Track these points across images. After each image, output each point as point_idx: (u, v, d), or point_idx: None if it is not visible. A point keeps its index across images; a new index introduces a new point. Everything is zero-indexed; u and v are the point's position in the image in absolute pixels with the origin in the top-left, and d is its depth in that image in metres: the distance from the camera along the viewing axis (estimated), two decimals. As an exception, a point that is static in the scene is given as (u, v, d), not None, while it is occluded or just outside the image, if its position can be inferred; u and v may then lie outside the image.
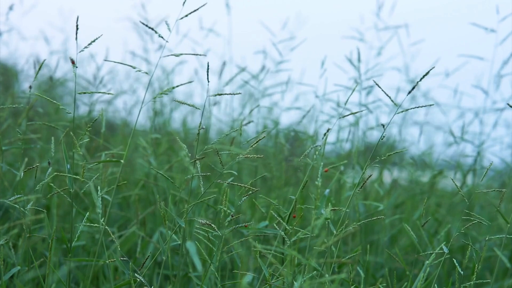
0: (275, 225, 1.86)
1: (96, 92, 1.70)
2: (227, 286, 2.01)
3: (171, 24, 1.68)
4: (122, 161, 1.69)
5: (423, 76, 1.61)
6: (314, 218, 1.59)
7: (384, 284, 1.78)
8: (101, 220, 1.64)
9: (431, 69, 1.62)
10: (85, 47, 1.63)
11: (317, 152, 1.73)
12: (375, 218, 1.76)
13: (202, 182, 1.71)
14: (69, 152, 1.99)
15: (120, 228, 2.64)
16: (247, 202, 2.47)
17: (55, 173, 1.76)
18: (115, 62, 1.71)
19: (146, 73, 1.63)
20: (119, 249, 1.74)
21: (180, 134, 3.45)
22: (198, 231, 1.79)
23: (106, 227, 1.68)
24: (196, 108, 1.67)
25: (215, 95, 1.77)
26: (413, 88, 1.63)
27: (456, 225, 2.80)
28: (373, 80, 1.70)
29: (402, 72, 3.33)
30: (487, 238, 1.81)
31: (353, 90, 1.76)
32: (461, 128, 3.07)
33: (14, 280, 1.86)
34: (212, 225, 1.65)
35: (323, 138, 1.72)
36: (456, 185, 1.78)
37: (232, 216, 1.72)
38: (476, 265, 1.75)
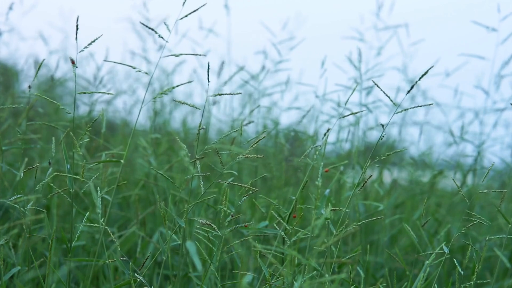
0: (275, 225, 1.86)
1: (96, 92, 1.70)
2: (227, 286, 2.01)
3: (170, 24, 1.68)
4: (122, 161, 1.69)
5: (422, 76, 1.61)
6: (314, 218, 1.59)
7: (384, 284, 1.78)
8: (101, 220, 1.64)
9: (429, 69, 1.62)
10: (85, 47, 1.63)
11: (317, 152, 1.73)
12: (375, 218, 1.76)
13: (202, 182, 1.71)
14: (69, 152, 1.99)
15: (120, 228, 2.64)
16: (247, 202, 2.47)
17: (55, 173, 1.76)
18: (115, 62, 1.71)
19: (146, 73, 1.63)
20: (119, 249, 1.74)
21: (180, 134, 3.45)
22: (198, 231, 1.79)
23: (106, 227, 1.68)
24: (196, 108, 1.67)
25: (215, 95, 1.77)
26: (412, 87, 1.63)
27: (456, 225, 2.80)
28: (373, 81, 1.70)
29: (402, 72, 3.33)
30: (487, 238, 1.81)
31: (354, 90, 1.76)
32: (461, 128, 3.07)
33: (14, 280, 1.86)
34: (212, 225, 1.65)
35: (323, 138, 1.72)
36: (457, 185, 1.78)
37: (232, 216, 1.72)
38: (477, 265, 1.75)
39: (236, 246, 1.91)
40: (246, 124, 2.17)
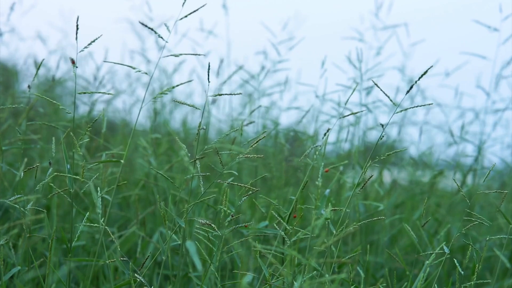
0: (275, 225, 1.86)
1: (96, 92, 1.70)
2: (227, 286, 2.01)
3: (170, 24, 1.68)
4: (122, 161, 1.69)
5: (421, 76, 1.61)
6: (314, 218, 1.59)
7: (384, 284, 1.78)
8: (101, 220, 1.64)
9: (429, 68, 1.62)
10: (85, 47, 1.63)
11: (317, 152, 1.73)
12: (375, 218, 1.76)
13: (202, 182, 1.71)
14: (69, 152, 1.99)
15: (120, 228, 2.64)
16: (247, 202, 2.47)
17: (55, 173, 1.76)
18: (115, 63, 1.71)
19: (146, 73, 1.63)
20: (119, 249, 1.74)
21: (180, 134, 3.45)
22: (198, 231, 1.79)
23: (106, 227, 1.68)
24: (195, 108, 1.67)
25: (215, 95, 1.77)
26: (411, 87, 1.63)
27: (456, 225, 2.80)
28: (373, 81, 1.70)
29: (402, 72, 3.33)
30: (487, 238, 1.81)
31: (354, 90, 1.76)
32: (461, 128, 3.06)
33: (14, 280, 1.86)
34: (212, 225, 1.65)
35: (323, 138, 1.72)
36: (458, 185, 1.78)
37: (232, 216, 1.72)
38: (477, 265, 1.75)
39: (236, 246, 1.91)
40: (247, 124, 2.17)
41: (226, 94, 1.76)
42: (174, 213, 2.06)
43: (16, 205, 1.72)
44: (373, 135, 3.40)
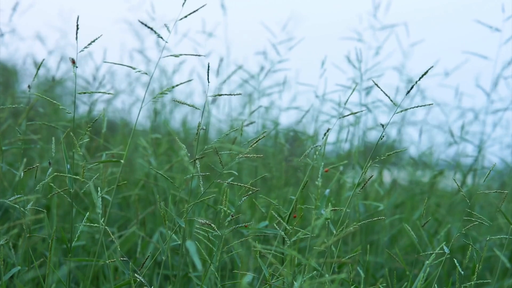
0: (275, 225, 1.86)
1: (96, 92, 1.70)
2: (227, 286, 2.01)
3: (170, 24, 1.68)
4: (122, 161, 1.69)
5: (422, 76, 1.61)
6: (314, 218, 1.59)
7: (384, 284, 1.78)
8: (101, 220, 1.64)
9: (429, 69, 1.62)
10: (85, 47, 1.63)
11: (317, 152, 1.73)
12: (375, 218, 1.76)
13: (202, 182, 1.71)
14: (69, 152, 1.99)
15: (120, 228, 2.64)
16: (247, 202, 2.46)
17: (55, 173, 1.76)
18: (115, 63, 1.71)
19: (146, 73, 1.63)
20: (119, 249, 1.74)
21: (180, 134, 3.45)
22: (198, 231, 1.79)
23: (106, 227, 1.68)
24: (195, 108, 1.67)
25: (215, 96, 1.77)
26: (412, 87, 1.63)
27: (456, 225, 2.80)
28: (373, 81, 1.70)
29: (401, 72, 3.33)
30: (487, 238, 1.81)
31: (353, 90, 1.76)
32: (461, 128, 3.06)
33: (14, 280, 1.86)
34: (212, 225, 1.65)
35: (323, 138, 1.72)
36: (458, 185, 1.78)
37: (232, 216, 1.72)
38: (477, 265, 1.75)
39: (236, 246, 1.91)
40: (247, 125, 2.17)
41: (225, 94, 1.76)
42: (174, 213, 2.06)
43: (16, 205, 1.72)
44: (373, 135, 3.40)
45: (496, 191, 1.78)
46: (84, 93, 1.68)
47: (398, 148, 3.52)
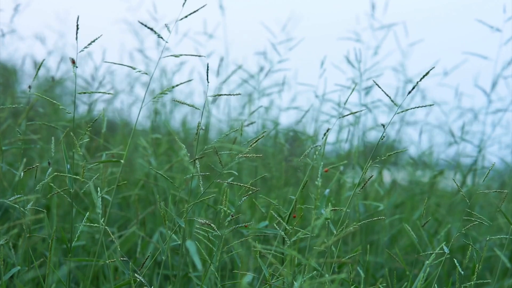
0: (275, 225, 1.86)
1: (95, 92, 1.70)
2: (227, 286, 2.01)
3: (170, 25, 1.68)
4: (122, 161, 1.69)
5: (423, 77, 1.61)
6: (314, 218, 1.59)
7: (384, 284, 1.78)
8: (101, 220, 1.64)
9: (430, 70, 1.62)
10: (85, 47, 1.63)
11: (317, 152, 1.73)
12: (375, 218, 1.76)
13: (201, 182, 1.71)
14: (69, 152, 1.99)
15: (120, 228, 2.64)
16: (247, 202, 2.47)
17: (55, 173, 1.76)
18: (115, 63, 1.71)
19: (146, 73, 1.63)
20: (119, 249, 1.74)
21: (180, 134, 3.45)
22: (198, 231, 1.79)
23: (106, 227, 1.68)
24: (195, 108, 1.67)
25: (215, 96, 1.77)
26: (413, 88, 1.63)
27: (456, 225, 2.80)
28: (374, 81, 1.70)
29: (400, 72, 3.33)
30: (488, 238, 1.81)
31: (353, 90, 1.76)
32: (462, 128, 3.06)
33: (14, 280, 1.86)
34: (212, 225, 1.65)
35: (323, 138, 1.72)
36: (457, 185, 1.78)
37: (232, 216, 1.72)
38: (477, 265, 1.75)
39: (236, 246, 1.91)
40: (248, 125, 2.17)
41: (225, 94, 1.76)
42: (174, 213, 2.06)
43: (16, 205, 1.72)
44: (372, 135, 3.40)
45: (495, 191, 1.78)
46: (84, 93, 1.68)
47: (398, 148, 3.52)
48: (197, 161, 1.69)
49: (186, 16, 1.66)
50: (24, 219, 1.67)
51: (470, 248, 1.76)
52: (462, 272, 1.73)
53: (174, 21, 1.68)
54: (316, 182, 1.58)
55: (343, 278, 1.74)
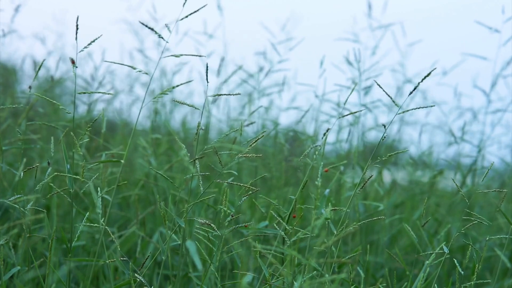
0: (275, 225, 1.86)
1: (95, 92, 1.70)
2: (227, 286, 2.01)
3: (170, 25, 1.68)
4: (122, 161, 1.69)
5: (425, 77, 1.61)
6: (314, 218, 1.59)
7: (384, 284, 1.78)
8: (101, 220, 1.64)
9: (432, 71, 1.62)
10: (85, 47, 1.63)
11: (316, 152, 1.73)
12: (375, 218, 1.76)
13: (201, 182, 1.71)
14: (69, 152, 1.99)
15: (120, 228, 2.64)
16: (247, 202, 2.47)
17: (55, 173, 1.76)
18: (115, 63, 1.71)
19: (146, 73, 1.63)
20: (119, 249, 1.74)
21: (180, 134, 3.45)
22: (198, 231, 1.79)
23: (106, 227, 1.68)
24: (195, 108, 1.67)
25: (215, 95, 1.77)
26: (415, 88, 1.63)
27: (456, 225, 2.80)
28: (375, 81, 1.70)
29: (399, 72, 3.33)
30: (487, 238, 1.81)
31: (352, 90, 1.76)
32: (462, 128, 3.06)
33: (14, 280, 1.86)
34: (212, 225, 1.65)
35: (322, 138, 1.72)
36: (457, 185, 1.78)
37: (232, 216, 1.72)
38: (477, 265, 1.75)
39: (236, 246, 1.91)
40: (247, 125, 2.17)
41: (225, 94, 1.76)
42: (174, 213, 2.06)
43: (16, 205, 1.72)
44: (372, 135, 3.40)
45: (495, 190, 1.78)
46: (84, 93, 1.68)
47: (398, 148, 3.52)
48: (197, 161, 1.69)
49: (186, 16, 1.66)
50: (24, 219, 1.67)
51: (470, 248, 1.77)
52: (462, 272, 1.73)
53: (175, 21, 1.69)
54: (316, 182, 1.58)
55: (343, 278, 1.74)
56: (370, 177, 1.74)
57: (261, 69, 3.10)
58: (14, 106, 1.89)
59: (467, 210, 1.83)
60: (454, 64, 3.25)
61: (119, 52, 3.87)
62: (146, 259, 1.76)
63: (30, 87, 1.87)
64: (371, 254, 2.65)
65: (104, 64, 3.31)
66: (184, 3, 1.67)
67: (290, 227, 1.73)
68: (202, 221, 1.65)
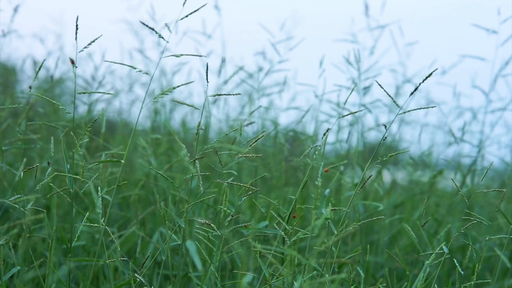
0: (275, 225, 1.86)
1: (95, 92, 1.70)
2: (227, 286, 2.01)
3: (171, 24, 1.68)
4: (122, 161, 1.69)
5: (425, 79, 1.61)
6: (314, 218, 1.59)
7: (384, 284, 1.78)
8: (101, 220, 1.64)
9: (433, 71, 1.62)
10: (85, 47, 1.63)
11: (316, 152, 1.73)
12: (375, 218, 1.76)
13: (201, 182, 1.71)
14: (69, 152, 1.99)
15: (120, 228, 2.64)
16: (247, 202, 2.47)
17: (55, 173, 1.76)
18: (115, 62, 1.71)
19: (147, 73, 1.63)
20: (119, 249, 1.74)
21: (180, 134, 3.45)
22: (198, 231, 1.79)
23: (106, 227, 1.68)
24: (195, 108, 1.67)
25: (215, 95, 1.77)
26: (416, 89, 1.63)
27: (456, 225, 2.80)
28: (376, 81, 1.70)
29: (398, 72, 3.34)
30: (487, 238, 1.81)
31: (352, 90, 1.77)
32: (462, 128, 3.06)
33: (14, 280, 1.86)
34: (212, 225, 1.65)
35: (322, 138, 1.72)
36: (456, 185, 1.78)
37: (232, 216, 1.72)
38: (477, 265, 1.75)
39: (236, 246, 1.91)
40: (247, 125, 2.17)
41: (225, 94, 1.76)
42: (174, 213, 2.06)
43: (16, 205, 1.72)
44: (372, 135, 3.40)
45: (494, 190, 1.78)
46: (84, 93, 1.68)
47: (397, 148, 3.52)
48: (197, 161, 1.69)
49: (187, 16, 1.66)
50: (24, 219, 1.67)
51: (470, 248, 1.77)
52: (462, 272, 1.73)
53: (174, 21, 1.69)
54: (316, 182, 1.58)
55: (343, 278, 1.74)
56: (370, 177, 1.74)
57: (260, 69, 3.10)
58: (14, 106, 1.89)
59: (467, 210, 1.83)
60: (453, 64, 3.26)
61: (119, 52, 3.87)
62: (146, 259, 1.76)
63: (30, 87, 1.87)
64: (371, 254, 2.65)
65: (104, 64, 3.31)
66: (184, 3, 1.67)
67: (290, 227, 1.73)
68: (202, 221, 1.65)
